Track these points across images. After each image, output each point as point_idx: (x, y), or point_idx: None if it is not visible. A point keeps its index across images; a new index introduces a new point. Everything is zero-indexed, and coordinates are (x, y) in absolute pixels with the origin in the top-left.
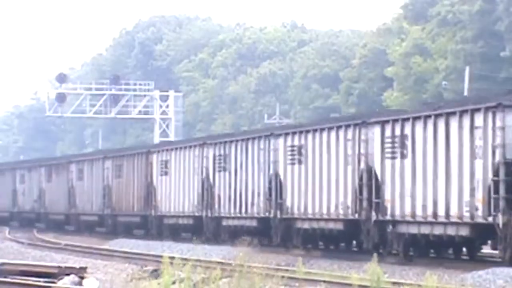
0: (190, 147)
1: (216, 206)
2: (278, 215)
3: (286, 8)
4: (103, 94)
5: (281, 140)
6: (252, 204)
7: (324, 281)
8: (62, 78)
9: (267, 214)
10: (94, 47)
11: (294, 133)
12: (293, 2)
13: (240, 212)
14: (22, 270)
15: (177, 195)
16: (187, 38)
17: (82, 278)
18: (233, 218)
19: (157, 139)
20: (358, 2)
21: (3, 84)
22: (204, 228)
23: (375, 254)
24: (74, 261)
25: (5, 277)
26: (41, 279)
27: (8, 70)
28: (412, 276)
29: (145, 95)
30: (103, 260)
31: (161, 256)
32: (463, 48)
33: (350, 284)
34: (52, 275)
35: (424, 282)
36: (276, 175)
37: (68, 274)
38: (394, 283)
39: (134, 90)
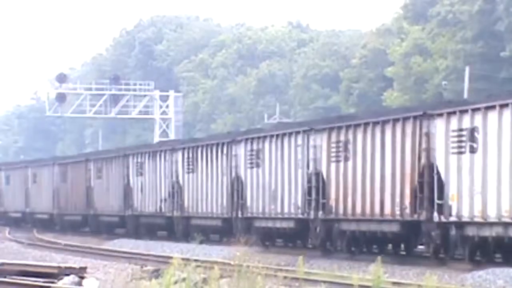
0: (218, 144)
1: (248, 205)
2: (319, 216)
3: (286, 8)
4: (103, 94)
5: (323, 136)
6: (288, 204)
7: (324, 281)
8: (62, 78)
9: (305, 215)
10: (94, 47)
11: (339, 127)
12: (293, 2)
13: (276, 213)
14: (22, 270)
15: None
16: (188, 38)
17: (82, 278)
18: (267, 219)
19: (157, 139)
20: (358, 2)
21: (3, 84)
22: (233, 230)
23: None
24: (74, 261)
25: (5, 277)
26: (41, 279)
27: (8, 70)
28: (412, 276)
29: (145, 95)
30: (103, 260)
31: (161, 256)
32: (463, 48)
33: (350, 285)
34: (52, 275)
35: (424, 282)
36: (317, 173)
37: (68, 274)
38: (394, 283)
39: (134, 90)
